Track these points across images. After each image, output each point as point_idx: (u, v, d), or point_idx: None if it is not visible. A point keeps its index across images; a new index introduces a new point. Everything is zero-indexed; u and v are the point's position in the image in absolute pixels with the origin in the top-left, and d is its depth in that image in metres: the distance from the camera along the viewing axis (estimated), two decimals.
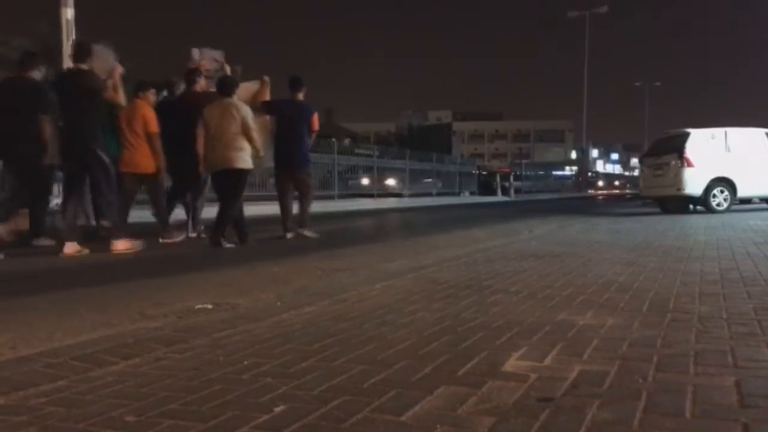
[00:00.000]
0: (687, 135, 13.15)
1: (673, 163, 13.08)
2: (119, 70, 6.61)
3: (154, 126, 6.83)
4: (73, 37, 8.79)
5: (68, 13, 8.66)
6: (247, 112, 6.88)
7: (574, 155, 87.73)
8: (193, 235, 7.66)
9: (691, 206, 13.50)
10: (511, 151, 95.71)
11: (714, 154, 12.91)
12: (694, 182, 12.78)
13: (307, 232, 7.73)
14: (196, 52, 8.54)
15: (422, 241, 7.64)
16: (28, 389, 1.96)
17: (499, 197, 27.00)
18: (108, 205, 6.27)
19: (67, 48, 8.76)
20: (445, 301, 3.28)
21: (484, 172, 37.85)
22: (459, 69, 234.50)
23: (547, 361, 2.13)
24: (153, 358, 2.32)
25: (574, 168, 76.78)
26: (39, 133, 6.11)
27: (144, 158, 6.83)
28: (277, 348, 2.40)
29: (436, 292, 3.60)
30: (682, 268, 4.41)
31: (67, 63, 8.64)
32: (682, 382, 1.86)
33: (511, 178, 31.32)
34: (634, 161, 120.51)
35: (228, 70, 8.08)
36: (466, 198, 24.71)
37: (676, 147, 13.16)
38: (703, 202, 12.93)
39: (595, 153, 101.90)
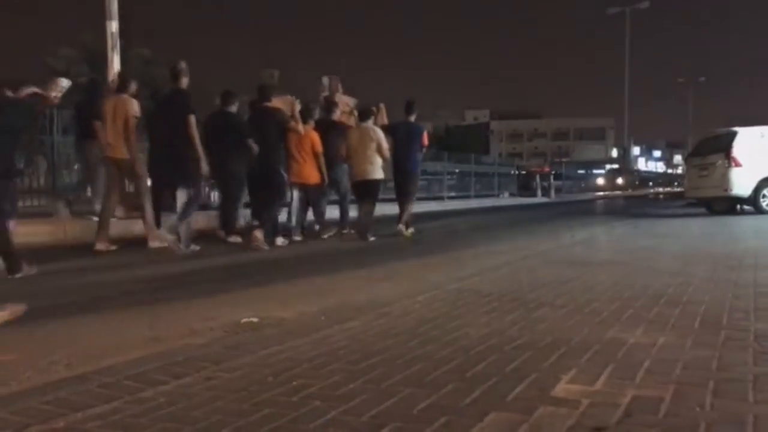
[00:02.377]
0: (734, 134, 12.80)
1: (720, 162, 12.74)
2: (297, 106, 8.41)
3: (319, 147, 8.22)
4: (118, 48, 9.01)
5: (113, 26, 8.87)
6: (380, 134, 8.46)
7: (615, 153, 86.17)
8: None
9: (738, 207, 13.13)
10: (550, 150, 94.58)
11: (763, 153, 12.51)
12: (742, 182, 12.42)
13: (407, 230, 8.91)
14: (325, 80, 10.18)
15: (462, 247, 7.59)
16: (86, 411, 2.01)
17: (539, 198, 26.66)
18: (273, 210, 7.74)
19: (113, 59, 8.99)
20: (489, 316, 3.25)
21: (523, 172, 37.52)
22: (497, 68, 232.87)
23: (599, 384, 2.09)
24: (203, 377, 2.36)
25: (616, 166, 75.49)
26: (242, 153, 7.62)
27: (311, 171, 8.22)
28: (323, 367, 2.41)
29: (480, 305, 3.57)
30: (733, 279, 4.29)
31: (112, 72, 8.88)
32: (741, 411, 1.81)
33: (551, 177, 30.86)
34: (678, 158, 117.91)
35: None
36: (505, 199, 24.41)
37: (722, 146, 12.82)
38: (752, 202, 12.56)
39: (636, 150, 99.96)
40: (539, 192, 27.21)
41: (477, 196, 24.37)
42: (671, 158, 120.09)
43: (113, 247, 7.17)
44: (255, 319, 3.54)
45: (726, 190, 12.55)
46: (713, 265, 5.00)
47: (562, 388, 2.06)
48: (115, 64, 8.97)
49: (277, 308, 3.84)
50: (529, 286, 4.18)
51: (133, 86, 7.53)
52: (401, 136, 8.96)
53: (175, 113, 6.77)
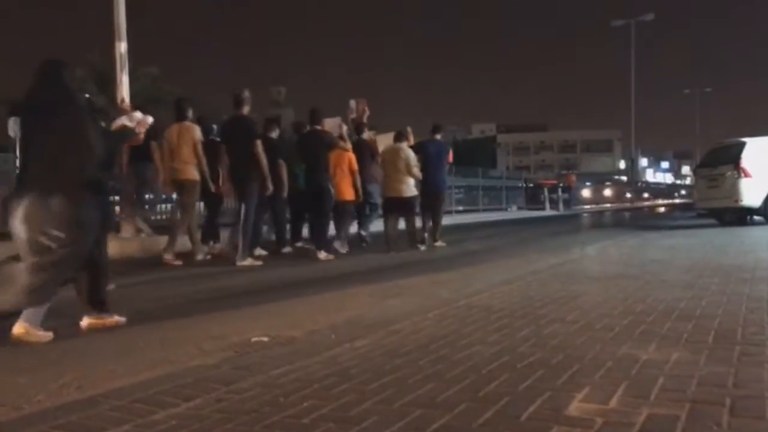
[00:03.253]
0: (743, 144, 12.74)
1: (729, 173, 12.66)
2: (344, 127, 9.34)
3: (355, 165, 8.94)
4: (127, 69, 9.08)
5: (122, 47, 8.94)
6: (410, 155, 9.06)
7: (623, 165, 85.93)
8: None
9: (749, 218, 13.04)
10: (557, 162, 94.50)
11: None
12: (752, 193, 12.33)
13: (439, 243, 9.67)
14: (353, 103, 10.91)
15: (471, 263, 7.57)
16: None
17: (548, 211, 26.54)
18: (324, 224, 8.44)
19: (122, 80, 9.06)
20: (500, 333, 3.23)
21: (531, 185, 37.46)
22: (503, 81, 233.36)
23: (613, 403, 2.07)
24: (213, 399, 2.35)
25: (623, 178, 75.19)
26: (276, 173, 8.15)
27: (347, 188, 8.87)
28: (334, 388, 2.40)
29: (491, 322, 3.55)
30: (746, 292, 4.25)
31: (122, 92, 8.94)
32: (759, 429, 1.78)
33: (559, 190, 30.74)
34: (686, 169, 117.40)
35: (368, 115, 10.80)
36: (513, 212, 24.33)
37: (731, 157, 12.74)
38: (762, 213, 12.47)
39: (644, 162, 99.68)
40: (547, 205, 27.09)
41: (485, 210, 24.34)
42: (679, 169, 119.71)
43: (179, 262, 7.73)
44: (265, 338, 3.53)
45: (736, 201, 12.47)
46: (725, 278, 4.95)
47: (576, 406, 2.04)
48: (125, 85, 9.03)
49: (287, 326, 3.83)
50: (539, 302, 4.16)
51: (190, 112, 8.00)
52: (430, 155, 9.58)
53: (240, 137, 7.30)
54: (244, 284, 6.20)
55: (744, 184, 12.33)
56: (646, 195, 55.34)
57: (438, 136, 10.23)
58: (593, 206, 35.87)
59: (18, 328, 3.58)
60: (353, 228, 9.85)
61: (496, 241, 11.45)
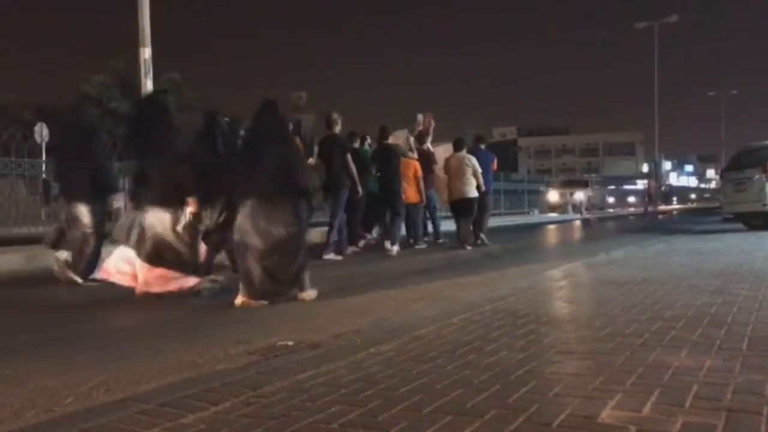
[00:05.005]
0: None
1: (757, 177, 12.47)
2: (411, 139, 10.74)
3: (420, 172, 10.15)
4: (151, 74, 9.19)
5: (146, 53, 9.06)
6: (474, 162, 10.20)
7: (645, 168, 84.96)
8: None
9: None
10: (579, 166, 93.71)
11: None
12: None
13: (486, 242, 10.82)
14: (420, 117, 12.20)
15: (494, 267, 7.53)
16: None
17: (570, 214, 26.29)
18: (398, 223, 9.77)
19: (146, 85, 9.17)
20: (526, 339, 3.19)
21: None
22: (524, 84, 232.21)
23: (646, 410, 2.03)
24: (241, 403, 2.35)
25: (646, 182, 74.28)
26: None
27: (413, 192, 10.06)
28: (361, 393, 2.38)
29: (517, 327, 3.52)
30: None
31: (146, 91, 9.06)
32: None
33: (582, 194, 30.47)
34: (710, 173, 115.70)
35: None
36: (535, 216, 24.14)
37: (759, 160, 12.55)
38: None
39: (668, 165, 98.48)
40: (570, 209, 26.79)
41: (507, 214, 24.20)
42: (704, 173, 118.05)
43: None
44: (290, 342, 3.53)
45: (764, 204, 12.26)
46: (756, 284, 4.86)
47: (609, 413, 2.01)
48: (149, 89, 9.13)
49: (312, 331, 3.83)
50: (565, 307, 4.11)
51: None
52: (479, 162, 10.52)
53: (334, 152, 8.57)
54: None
55: None
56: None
57: (482, 146, 11.55)
58: (614, 210, 35.50)
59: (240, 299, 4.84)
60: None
61: (518, 246, 11.38)
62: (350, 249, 9.43)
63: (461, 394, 2.30)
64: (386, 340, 3.33)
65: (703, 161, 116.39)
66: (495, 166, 11.67)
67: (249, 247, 4.83)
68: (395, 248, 9.31)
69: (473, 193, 10.21)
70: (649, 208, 33.41)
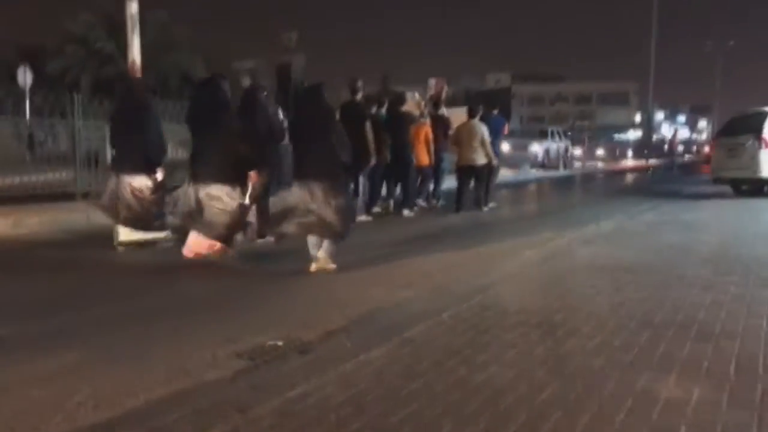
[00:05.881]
0: (765, 114, 12.44)
1: (750, 143, 12.40)
2: (423, 104, 11.36)
3: (430, 136, 10.63)
4: (138, 30, 8.89)
5: (133, 7, 8.69)
6: (484, 130, 10.49)
7: (638, 118, 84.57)
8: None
9: (765, 188, 12.84)
10: (573, 114, 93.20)
11: None
12: None
13: (492, 204, 11.22)
14: (432, 81, 12.81)
15: (484, 240, 7.51)
16: None
17: (561, 171, 25.95)
18: (413, 189, 10.42)
19: (133, 42, 8.88)
20: (516, 350, 3.19)
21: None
22: (520, 28, 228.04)
23: None
24: (229, 428, 2.35)
25: (638, 132, 73.88)
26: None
27: (424, 155, 10.56)
28: (352, 422, 2.38)
29: (507, 330, 3.53)
30: (767, 297, 4.19)
31: (132, 55, 8.80)
32: None
33: (569, 147, 29.80)
34: (702, 124, 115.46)
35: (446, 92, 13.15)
36: (525, 173, 23.47)
37: (752, 127, 12.46)
38: None
39: (661, 115, 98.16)
40: (561, 164, 26.32)
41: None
42: (695, 123, 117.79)
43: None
44: (279, 342, 3.53)
45: (755, 172, 12.26)
46: (745, 277, 4.87)
47: None
48: (136, 47, 8.81)
49: (301, 327, 3.82)
50: (555, 304, 4.11)
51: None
52: (490, 127, 10.84)
53: (354, 119, 8.49)
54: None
55: (764, 155, 12.10)
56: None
57: (495, 111, 12.08)
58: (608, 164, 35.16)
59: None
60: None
61: (507, 215, 11.38)
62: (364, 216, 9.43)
63: (452, 429, 2.31)
64: (375, 343, 3.33)
65: (695, 112, 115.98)
66: (505, 130, 12.49)
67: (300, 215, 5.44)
68: (407, 211, 10.06)
69: (481, 161, 10.58)
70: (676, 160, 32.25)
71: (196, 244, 5.81)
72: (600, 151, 38.73)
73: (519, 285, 4.86)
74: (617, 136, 62.57)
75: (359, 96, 9.32)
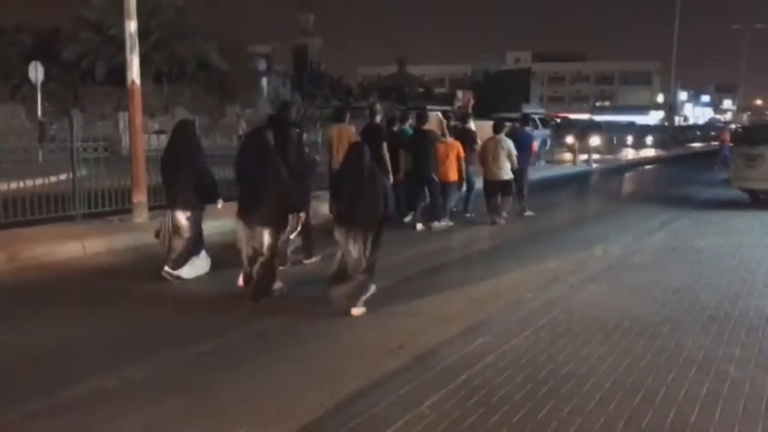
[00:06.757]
0: None
1: None
2: (444, 123, 11.49)
3: (462, 154, 10.74)
4: (137, 49, 8.75)
5: (131, 26, 8.56)
6: (510, 145, 10.85)
7: (661, 98, 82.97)
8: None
9: None
10: (593, 95, 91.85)
11: None
12: None
13: (528, 213, 11.78)
14: (460, 93, 13.37)
15: (485, 274, 7.35)
16: None
17: (578, 166, 22.97)
18: (438, 203, 10.38)
19: (132, 61, 8.76)
20: None
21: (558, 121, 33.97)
22: (541, 5, 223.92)
23: None
24: None
25: (661, 113, 72.20)
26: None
27: (453, 172, 10.65)
28: None
29: (492, 410, 3.38)
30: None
31: (131, 74, 8.68)
32: None
33: (548, 139, 25.60)
34: (727, 103, 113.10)
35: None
36: (540, 168, 21.61)
37: None
38: None
39: (683, 96, 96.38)
40: (577, 158, 25.06)
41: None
42: (720, 103, 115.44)
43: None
44: None
45: None
46: (748, 350, 4.65)
47: None
48: (135, 66, 8.69)
49: (274, 418, 3.71)
50: (544, 373, 3.95)
51: (348, 116, 9.97)
52: (517, 142, 11.26)
53: (374, 140, 8.81)
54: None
55: None
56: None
57: (527, 129, 12.70)
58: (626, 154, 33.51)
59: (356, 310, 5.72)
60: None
61: (505, 240, 11.15)
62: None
63: None
64: None
65: (720, 91, 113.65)
66: (534, 147, 12.89)
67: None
68: (437, 224, 10.26)
69: (506, 176, 10.90)
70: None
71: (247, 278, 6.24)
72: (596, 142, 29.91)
73: (509, 352, 4.65)
74: (639, 117, 60.11)
75: (378, 118, 9.99)
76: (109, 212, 9.42)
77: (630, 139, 35.36)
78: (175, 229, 6.83)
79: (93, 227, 8.80)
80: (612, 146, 31.04)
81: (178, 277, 6.76)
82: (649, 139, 37.72)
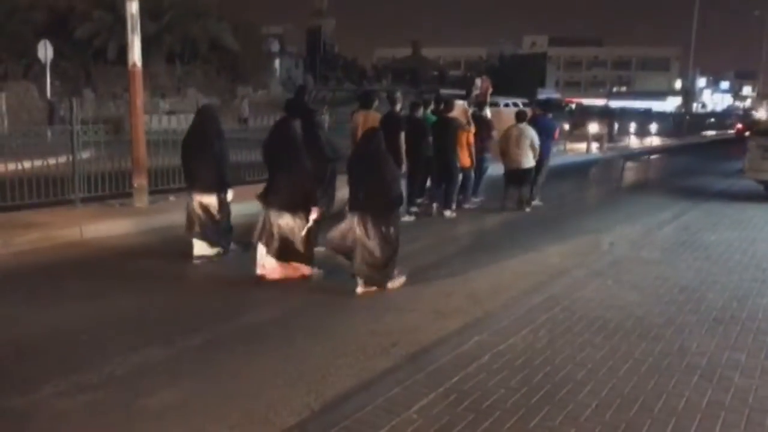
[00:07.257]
0: None
1: None
2: (468, 111, 11.05)
3: (471, 140, 10.74)
4: (138, 30, 8.59)
5: (133, 7, 8.40)
6: (533, 134, 10.80)
7: (679, 84, 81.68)
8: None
9: None
10: (610, 80, 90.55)
11: None
12: None
13: (536, 202, 11.53)
14: (479, 81, 12.71)
15: (481, 265, 7.19)
16: None
17: (593, 152, 22.84)
18: (452, 190, 10.43)
19: (134, 42, 8.61)
20: None
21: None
22: None
23: None
24: None
25: (678, 100, 70.92)
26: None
27: (465, 157, 10.65)
28: None
29: (482, 417, 3.24)
30: None
31: (133, 56, 8.54)
32: None
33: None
34: (747, 90, 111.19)
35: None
36: (552, 157, 21.06)
37: None
38: None
39: (702, 82, 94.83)
40: (593, 146, 24.60)
41: None
42: (740, 90, 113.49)
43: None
44: None
45: None
46: (755, 356, 4.46)
47: None
48: (136, 48, 8.55)
49: (261, 419, 3.60)
50: (538, 384, 3.80)
51: (376, 103, 9.88)
52: (540, 129, 11.16)
53: (392, 128, 8.68)
54: None
55: None
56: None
57: (549, 115, 12.59)
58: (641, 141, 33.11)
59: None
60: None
61: (513, 231, 10.95)
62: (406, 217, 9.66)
63: None
64: None
65: (740, 77, 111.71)
66: (556, 134, 12.81)
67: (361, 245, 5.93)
68: (449, 212, 10.28)
69: (529, 164, 10.86)
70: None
71: (270, 264, 6.33)
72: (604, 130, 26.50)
73: (504, 355, 4.50)
74: (656, 103, 59.10)
75: (398, 106, 9.84)
76: (110, 196, 9.33)
77: (634, 126, 33.91)
78: (204, 209, 6.92)
79: (92, 211, 8.73)
80: (624, 134, 30.63)
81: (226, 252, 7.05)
82: (653, 127, 35.36)
